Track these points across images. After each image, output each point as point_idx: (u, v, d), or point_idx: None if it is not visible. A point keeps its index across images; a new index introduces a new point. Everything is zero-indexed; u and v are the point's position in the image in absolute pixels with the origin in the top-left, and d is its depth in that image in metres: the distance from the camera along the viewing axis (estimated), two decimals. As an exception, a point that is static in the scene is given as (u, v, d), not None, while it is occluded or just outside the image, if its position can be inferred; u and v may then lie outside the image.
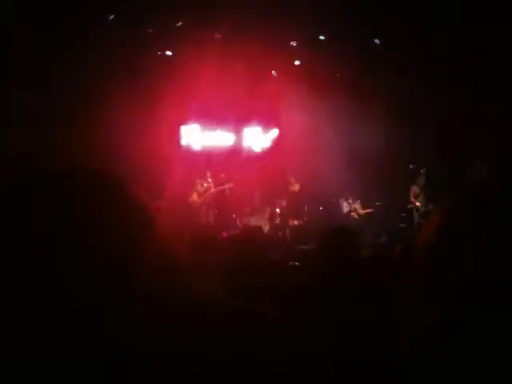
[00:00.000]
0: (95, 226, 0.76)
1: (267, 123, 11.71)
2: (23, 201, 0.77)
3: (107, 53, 9.57)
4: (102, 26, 9.27)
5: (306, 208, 11.21)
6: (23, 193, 0.78)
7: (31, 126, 9.12)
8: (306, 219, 11.13)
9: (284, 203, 11.06)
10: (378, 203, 11.32)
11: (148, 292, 0.78)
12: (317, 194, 11.19)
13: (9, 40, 8.36)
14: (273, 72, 11.53)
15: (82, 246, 0.74)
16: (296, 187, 11.15)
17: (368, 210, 11.29)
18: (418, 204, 10.53)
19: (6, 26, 8.21)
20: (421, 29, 9.19)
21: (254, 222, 10.77)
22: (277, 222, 11.03)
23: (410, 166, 10.91)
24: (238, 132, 11.72)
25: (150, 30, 10.22)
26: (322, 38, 10.72)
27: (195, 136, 11.52)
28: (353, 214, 11.26)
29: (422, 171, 10.54)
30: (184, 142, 11.45)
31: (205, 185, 10.83)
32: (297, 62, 11.35)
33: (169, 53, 10.83)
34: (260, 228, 10.33)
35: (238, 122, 11.49)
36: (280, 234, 10.86)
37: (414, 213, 10.59)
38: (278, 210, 11.08)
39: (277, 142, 11.73)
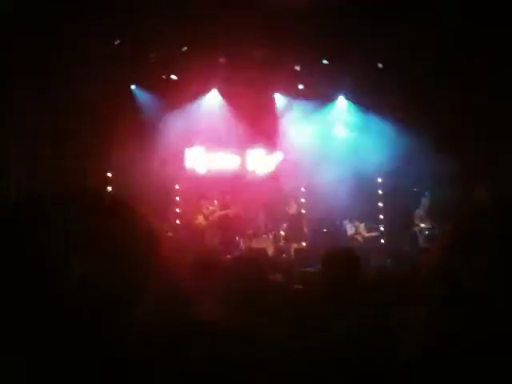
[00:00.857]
0: (103, 245, 0.77)
1: (271, 146, 11.76)
2: (35, 217, 0.79)
3: (111, 77, 9.61)
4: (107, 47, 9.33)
5: (305, 230, 11.19)
6: (36, 210, 0.80)
7: (36, 144, 9.14)
8: (309, 241, 11.09)
9: (284, 226, 11.07)
10: (381, 227, 11.31)
11: (148, 311, 0.78)
12: (320, 216, 11.18)
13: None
14: (276, 94, 11.65)
15: (89, 262, 0.75)
16: (294, 209, 11.15)
17: (373, 233, 11.25)
18: (422, 225, 10.49)
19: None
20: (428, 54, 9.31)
21: (257, 244, 10.74)
22: (281, 244, 11.00)
23: (414, 189, 10.91)
24: (241, 155, 11.77)
25: (154, 55, 10.36)
26: (325, 61, 10.86)
27: (200, 158, 11.57)
28: (357, 236, 11.22)
29: (426, 194, 10.53)
30: (188, 164, 11.50)
31: (210, 207, 10.86)
32: (300, 86, 11.47)
33: (174, 77, 10.96)
34: (264, 250, 10.30)
35: (242, 144, 11.55)
36: (284, 256, 10.82)
37: (419, 236, 10.55)
38: (282, 233, 11.06)
39: (280, 165, 11.76)
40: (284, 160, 11.65)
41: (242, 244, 10.88)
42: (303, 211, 11.39)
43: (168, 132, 10.62)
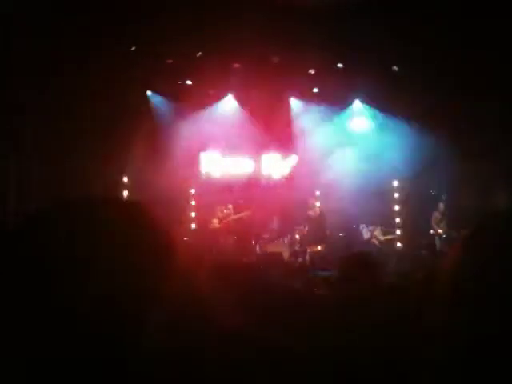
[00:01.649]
0: (120, 251, 0.77)
1: (286, 149, 11.75)
2: (55, 224, 0.79)
3: (128, 83, 9.66)
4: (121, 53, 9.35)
5: (328, 233, 11.07)
6: (55, 217, 0.81)
7: (50, 155, 9.17)
8: (325, 245, 11.03)
9: (304, 229, 10.96)
10: (398, 231, 11.22)
11: (166, 318, 0.78)
12: (337, 219, 11.11)
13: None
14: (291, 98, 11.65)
15: (107, 269, 0.76)
16: (316, 211, 11.03)
17: (389, 237, 11.18)
18: (439, 230, 10.39)
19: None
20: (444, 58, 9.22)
21: (273, 248, 10.72)
22: (296, 248, 10.96)
23: (432, 192, 10.82)
24: (256, 159, 11.77)
25: (170, 61, 10.42)
26: (340, 65, 10.83)
27: (215, 163, 11.60)
28: (373, 240, 11.14)
29: (443, 197, 10.43)
30: (204, 169, 11.53)
31: (225, 211, 10.88)
32: (315, 90, 11.45)
33: (189, 82, 11.01)
34: (280, 254, 10.28)
35: (257, 148, 11.55)
36: (300, 260, 10.77)
37: (436, 239, 10.45)
38: (297, 237, 11.02)
39: (295, 169, 11.73)
40: (299, 164, 11.62)
41: (257, 248, 10.87)
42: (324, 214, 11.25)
43: (183, 137, 10.67)
